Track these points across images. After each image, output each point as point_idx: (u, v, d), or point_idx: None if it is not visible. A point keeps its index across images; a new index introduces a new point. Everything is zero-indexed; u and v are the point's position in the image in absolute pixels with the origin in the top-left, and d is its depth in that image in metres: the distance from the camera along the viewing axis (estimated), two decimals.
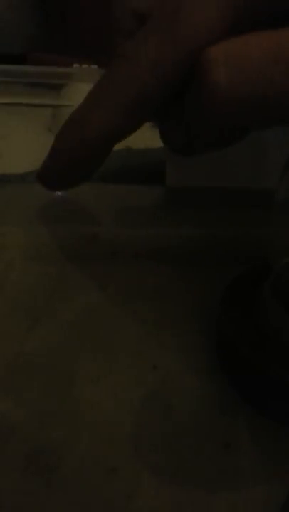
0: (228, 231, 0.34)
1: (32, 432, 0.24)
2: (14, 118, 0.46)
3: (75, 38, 0.52)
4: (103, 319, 0.29)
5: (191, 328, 0.28)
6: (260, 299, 0.26)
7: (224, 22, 0.23)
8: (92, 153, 0.25)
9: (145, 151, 0.40)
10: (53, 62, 0.48)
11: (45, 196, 0.28)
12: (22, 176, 0.38)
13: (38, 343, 0.27)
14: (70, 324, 0.29)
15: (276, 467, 0.23)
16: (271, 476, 0.23)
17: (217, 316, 0.27)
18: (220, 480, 0.23)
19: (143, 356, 0.27)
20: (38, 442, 0.23)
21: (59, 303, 0.30)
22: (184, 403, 0.25)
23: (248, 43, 0.21)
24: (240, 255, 0.31)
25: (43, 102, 0.46)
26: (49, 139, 0.26)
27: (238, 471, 0.23)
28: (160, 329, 0.28)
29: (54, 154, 0.26)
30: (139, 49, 0.24)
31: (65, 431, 0.24)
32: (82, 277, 0.32)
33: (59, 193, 0.35)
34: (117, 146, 0.26)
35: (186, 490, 0.22)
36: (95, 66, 0.46)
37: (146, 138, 0.30)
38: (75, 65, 0.48)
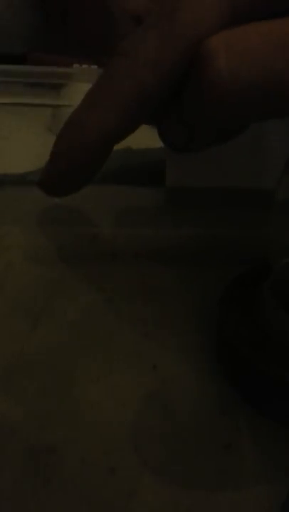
0: (228, 231, 0.34)
1: (32, 431, 0.24)
2: (14, 118, 0.46)
3: (75, 38, 0.52)
4: (103, 319, 0.29)
5: (191, 328, 0.28)
6: (260, 299, 0.26)
7: (222, 18, 0.23)
8: (92, 155, 0.25)
9: (145, 151, 0.40)
10: (53, 62, 0.48)
11: (45, 197, 0.28)
12: (22, 176, 0.38)
13: (38, 343, 0.27)
14: (70, 324, 0.29)
15: (276, 467, 0.23)
16: (271, 476, 0.23)
17: (217, 316, 0.27)
18: (220, 480, 0.23)
19: (143, 356, 0.27)
20: (38, 442, 0.23)
21: (59, 303, 0.30)
22: (183, 403, 0.25)
23: (248, 32, 0.21)
24: (240, 255, 0.31)
25: (43, 102, 0.47)
26: (49, 139, 0.26)
27: (238, 471, 0.23)
28: (160, 329, 0.28)
29: (54, 159, 0.26)
30: (137, 47, 0.23)
31: (65, 431, 0.24)
32: (82, 278, 0.32)
33: (56, 199, 0.35)
34: (117, 146, 0.26)
35: (186, 490, 0.22)
36: (95, 66, 0.46)
37: (146, 138, 0.30)
38: (75, 65, 0.48)
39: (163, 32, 0.23)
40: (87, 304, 0.30)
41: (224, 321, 0.26)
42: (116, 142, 0.25)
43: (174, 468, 0.23)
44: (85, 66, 0.47)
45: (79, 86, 0.45)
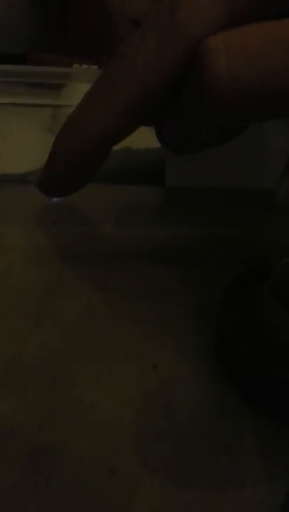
0: (228, 231, 0.34)
1: (32, 432, 0.24)
2: (14, 118, 0.46)
3: (75, 38, 0.52)
4: (103, 319, 0.29)
5: (191, 328, 0.28)
6: (260, 299, 0.26)
7: (221, 19, 0.23)
8: (92, 155, 0.25)
9: (145, 151, 0.40)
10: (53, 62, 0.48)
11: (45, 197, 0.28)
12: (22, 176, 0.38)
13: (38, 343, 0.27)
14: (70, 324, 0.29)
15: (276, 467, 0.23)
16: (271, 476, 0.23)
17: (217, 316, 0.27)
18: (220, 480, 0.23)
19: (143, 356, 0.27)
20: (38, 442, 0.23)
21: (59, 303, 0.30)
22: (183, 403, 0.25)
23: (247, 32, 0.21)
24: (240, 255, 0.31)
25: (43, 102, 0.47)
26: (49, 139, 0.26)
27: (238, 471, 0.23)
28: (160, 329, 0.28)
29: (53, 159, 0.26)
30: (136, 48, 0.23)
31: (65, 431, 0.24)
32: (82, 277, 0.32)
33: (55, 199, 0.35)
34: (117, 146, 0.26)
35: (186, 490, 0.22)
36: (95, 66, 0.46)
37: (147, 138, 0.30)
38: (75, 65, 0.48)
39: (162, 32, 0.23)
40: (87, 304, 0.30)
41: (224, 321, 0.26)
42: (115, 142, 0.25)
43: (174, 468, 0.23)
44: (85, 66, 0.47)
45: (79, 86, 0.45)
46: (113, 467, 0.23)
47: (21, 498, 0.22)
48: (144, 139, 0.31)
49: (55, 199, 0.35)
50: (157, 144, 0.26)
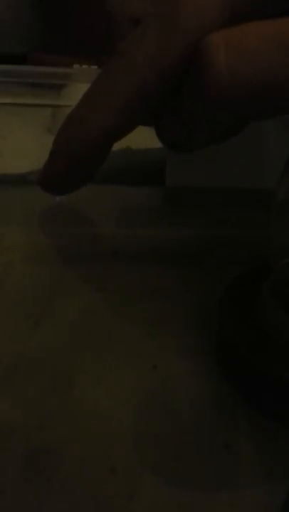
0: (228, 231, 0.34)
1: (32, 432, 0.24)
2: (14, 118, 0.46)
3: (75, 38, 0.52)
4: (103, 319, 0.29)
5: (191, 328, 0.28)
6: (260, 299, 0.26)
7: (222, 17, 0.23)
8: (92, 152, 0.25)
9: (145, 151, 0.40)
10: (53, 63, 0.48)
11: (45, 196, 0.28)
12: (22, 176, 0.38)
13: (38, 343, 0.27)
14: (70, 324, 0.29)
15: (276, 467, 0.23)
16: (271, 476, 0.23)
17: (217, 316, 0.27)
18: (220, 480, 0.23)
19: (143, 356, 0.27)
20: (38, 442, 0.23)
21: (59, 303, 0.30)
22: (183, 403, 0.25)
23: (247, 30, 0.22)
24: (240, 255, 0.31)
25: (43, 102, 0.46)
26: (49, 139, 0.26)
27: (237, 471, 0.23)
28: (160, 329, 0.28)
29: (53, 157, 0.26)
30: (136, 45, 0.24)
31: (65, 431, 0.24)
32: (82, 278, 0.32)
33: (58, 198, 0.35)
34: (117, 146, 0.26)
35: (186, 490, 0.22)
36: (95, 66, 0.46)
37: (146, 138, 0.30)
38: (75, 66, 0.48)
39: (162, 30, 0.23)
40: (87, 304, 0.30)
41: (224, 321, 0.26)
42: (116, 139, 0.25)
43: (174, 468, 0.23)
44: (85, 66, 0.47)
45: (79, 86, 0.45)
46: (113, 467, 0.23)
47: (21, 498, 0.22)
48: (144, 139, 0.31)
49: (57, 198, 0.35)
50: (157, 144, 0.26)
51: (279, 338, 0.25)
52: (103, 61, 0.25)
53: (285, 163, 0.25)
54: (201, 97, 0.22)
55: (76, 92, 0.44)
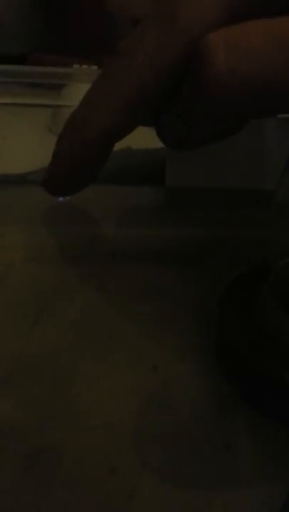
0: (228, 231, 0.34)
1: (32, 432, 0.24)
2: (14, 118, 0.46)
3: (75, 38, 0.52)
4: (103, 319, 0.29)
5: (191, 328, 0.28)
6: (260, 299, 0.26)
7: (221, 16, 0.23)
8: (94, 152, 0.25)
9: (145, 151, 0.40)
10: (53, 63, 0.48)
11: (45, 197, 0.28)
12: (22, 176, 0.38)
13: (38, 343, 0.27)
14: (70, 324, 0.29)
15: (276, 467, 0.23)
16: (271, 476, 0.23)
17: (217, 316, 0.27)
18: (220, 480, 0.23)
19: (143, 356, 0.27)
20: (38, 442, 0.23)
21: (59, 303, 0.30)
22: (183, 403, 0.25)
23: (246, 29, 0.22)
24: (240, 255, 0.31)
25: (43, 102, 0.47)
26: (49, 139, 0.26)
27: (237, 471, 0.23)
28: (160, 329, 0.28)
29: (56, 158, 0.26)
30: (136, 45, 0.24)
31: (65, 431, 0.24)
32: (83, 278, 0.32)
33: (60, 199, 0.35)
34: (117, 147, 0.26)
35: (186, 490, 0.22)
36: (95, 66, 0.46)
37: (147, 138, 0.30)
38: (75, 66, 0.48)
39: (162, 29, 0.23)
40: (87, 304, 0.30)
41: (224, 321, 0.26)
42: (117, 139, 0.25)
43: (173, 468, 0.23)
44: (85, 66, 0.47)
45: (79, 86, 0.45)
46: (113, 467, 0.23)
47: (21, 498, 0.22)
48: (144, 139, 0.31)
49: (60, 198, 0.35)
50: (157, 144, 0.26)
51: (279, 338, 0.25)
52: (103, 61, 0.25)
53: (285, 163, 0.25)
54: (200, 96, 0.22)
55: (76, 92, 0.44)
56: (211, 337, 0.27)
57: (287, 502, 0.22)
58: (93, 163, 0.26)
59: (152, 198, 0.38)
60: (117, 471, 0.23)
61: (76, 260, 0.32)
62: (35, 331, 0.28)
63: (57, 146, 0.26)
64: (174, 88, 0.24)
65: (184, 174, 0.37)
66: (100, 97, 0.25)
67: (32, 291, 0.30)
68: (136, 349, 0.27)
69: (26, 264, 0.32)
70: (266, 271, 0.26)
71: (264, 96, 0.22)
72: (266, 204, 0.26)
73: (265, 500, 0.22)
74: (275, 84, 0.21)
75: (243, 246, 0.32)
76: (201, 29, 0.22)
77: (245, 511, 0.22)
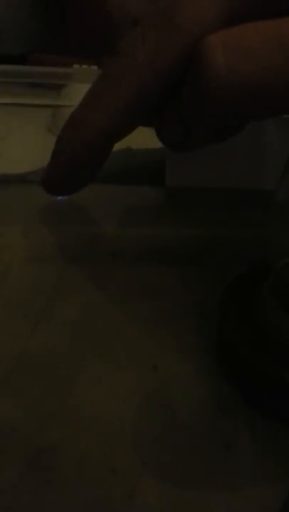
0: (228, 231, 0.34)
1: (32, 431, 0.24)
2: (14, 118, 0.46)
3: (75, 38, 0.52)
4: (103, 319, 0.29)
5: (191, 328, 0.28)
6: (260, 299, 0.26)
7: (221, 17, 0.23)
8: (93, 152, 0.25)
9: (145, 151, 0.40)
10: (53, 63, 0.48)
11: (45, 197, 0.28)
12: (22, 176, 0.38)
13: (38, 343, 0.27)
14: (71, 324, 0.29)
15: (276, 467, 0.23)
16: (271, 476, 0.23)
17: (217, 316, 0.27)
18: (220, 480, 0.23)
19: (143, 356, 0.27)
20: (38, 442, 0.23)
21: (59, 303, 0.30)
22: (183, 403, 0.25)
23: (246, 30, 0.22)
24: (240, 255, 0.31)
25: (43, 102, 0.47)
26: (49, 139, 0.26)
27: (238, 471, 0.23)
28: (160, 329, 0.28)
29: (56, 158, 0.26)
30: (136, 45, 0.24)
31: (65, 431, 0.24)
32: (83, 277, 0.32)
33: (60, 198, 0.35)
34: (117, 147, 0.26)
35: (186, 490, 0.22)
36: (95, 66, 0.46)
37: (147, 138, 0.30)
38: (75, 66, 0.48)
39: (162, 30, 0.23)
40: (87, 304, 0.30)
41: (224, 321, 0.26)
42: (116, 140, 0.25)
43: (174, 468, 0.23)
44: (85, 66, 0.47)
45: (79, 86, 0.45)
46: (113, 467, 0.23)
47: (21, 498, 0.22)
48: (144, 139, 0.31)
49: (59, 197, 0.35)
50: (157, 144, 0.26)
51: (279, 338, 0.25)
52: (103, 61, 0.25)
53: (285, 163, 0.25)
54: (200, 97, 0.22)
55: (76, 92, 0.44)
56: (211, 337, 0.27)
57: (287, 502, 0.22)
58: (92, 164, 0.26)
59: (152, 198, 0.38)
60: (117, 471, 0.23)
61: (76, 260, 0.32)
62: (35, 331, 0.28)
63: (56, 146, 0.26)
64: (174, 88, 0.24)
65: (184, 174, 0.37)
66: (99, 98, 0.25)
67: (32, 291, 0.30)
68: (136, 349, 0.27)
69: (26, 264, 0.32)
70: (266, 271, 0.26)
71: (264, 97, 0.22)
72: (266, 204, 0.26)
73: (265, 500, 0.22)
74: (275, 85, 0.21)
75: (243, 246, 0.32)
76: (201, 30, 0.22)
77: (245, 511, 0.22)
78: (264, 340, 0.25)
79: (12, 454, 0.23)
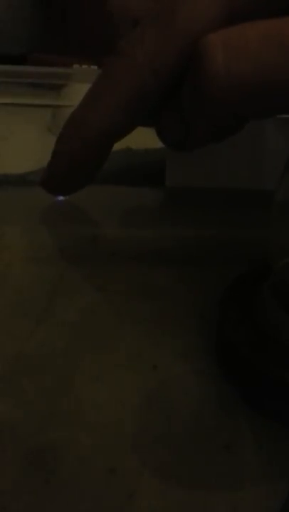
0: (228, 231, 0.34)
1: (32, 432, 0.24)
2: (14, 118, 0.46)
3: (75, 38, 0.52)
4: (103, 319, 0.29)
5: (191, 328, 0.28)
6: (260, 299, 0.26)
7: (221, 17, 0.23)
8: (93, 152, 0.25)
9: (145, 151, 0.40)
10: (53, 63, 0.48)
11: (45, 197, 0.28)
12: (22, 176, 0.38)
13: (38, 343, 0.27)
14: (70, 324, 0.29)
15: (276, 467, 0.23)
16: (271, 476, 0.23)
17: (217, 316, 0.27)
18: (220, 480, 0.23)
19: (143, 356, 0.27)
20: (38, 442, 0.23)
21: (59, 303, 0.30)
22: (184, 403, 0.25)
23: (245, 30, 0.22)
24: (240, 255, 0.31)
25: (43, 102, 0.47)
26: (49, 139, 0.26)
27: (238, 471, 0.23)
28: (160, 329, 0.28)
29: (55, 158, 0.26)
30: (136, 45, 0.24)
31: (65, 431, 0.24)
32: (82, 278, 0.32)
33: (61, 198, 0.35)
34: (117, 147, 0.26)
35: (186, 490, 0.22)
36: (95, 66, 0.46)
37: (147, 138, 0.30)
38: (75, 66, 0.48)
39: (161, 30, 0.23)
40: (87, 304, 0.30)
41: (224, 321, 0.26)
42: (116, 139, 0.25)
43: (173, 468, 0.23)
44: (85, 66, 0.47)
45: (79, 86, 0.45)
46: (113, 467, 0.23)
47: (21, 498, 0.22)
48: (144, 139, 0.31)
49: (59, 197, 0.35)
50: (157, 144, 0.26)
51: (279, 338, 0.25)
52: (103, 61, 0.25)
53: (285, 163, 0.25)
54: (199, 96, 0.22)
55: (76, 92, 0.44)
56: (211, 337, 0.27)
57: (287, 502, 0.22)
58: (92, 163, 0.26)
59: (152, 198, 0.38)
60: (117, 471, 0.23)
61: (76, 260, 0.32)
62: (35, 331, 0.28)
63: (56, 145, 0.26)
64: (174, 88, 0.24)
65: (184, 174, 0.37)
66: (99, 97, 0.25)
67: (32, 291, 0.30)
68: (136, 349, 0.27)
69: (26, 264, 0.32)
70: (266, 271, 0.26)
71: (263, 96, 0.22)
72: (266, 204, 0.26)
73: (265, 500, 0.22)
74: (274, 84, 0.21)
75: (243, 246, 0.32)
76: (201, 29, 0.22)
77: (246, 511, 0.22)
78: (264, 340, 0.25)
79: (12, 454, 0.23)
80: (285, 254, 0.26)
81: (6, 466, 0.23)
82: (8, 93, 0.47)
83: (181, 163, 0.37)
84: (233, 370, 0.26)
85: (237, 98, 0.22)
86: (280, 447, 0.23)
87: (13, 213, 0.36)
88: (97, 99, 0.25)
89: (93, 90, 0.25)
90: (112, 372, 0.26)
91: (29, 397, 0.25)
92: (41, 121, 0.45)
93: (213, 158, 0.35)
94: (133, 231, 0.34)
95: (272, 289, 0.26)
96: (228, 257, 0.32)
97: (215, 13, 0.23)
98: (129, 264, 0.32)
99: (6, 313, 0.29)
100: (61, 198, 0.35)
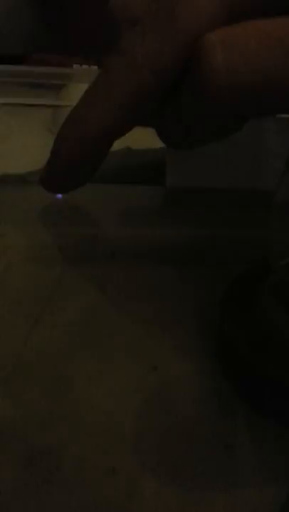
0: (228, 231, 0.34)
1: (32, 432, 0.24)
2: (14, 118, 0.46)
3: (75, 38, 0.52)
4: (103, 319, 0.29)
5: (191, 328, 0.28)
6: (260, 299, 0.26)
7: (220, 16, 0.23)
8: (92, 150, 0.25)
9: (145, 151, 0.40)
10: (53, 63, 0.48)
11: (45, 197, 0.28)
12: (22, 176, 0.38)
13: (38, 343, 0.27)
14: (70, 324, 0.29)
15: (276, 467, 0.23)
16: (271, 476, 0.23)
17: (217, 316, 0.27)
18: (220, 480, 0.23)
19: (143, 356, 0.27)
20: (38, 442, 0.23)
21: (59, 303, 0.30)
22: (183, 403, 0.25)
23: (245, 29, 0.22)
24: (240, 255, 0.31)
25: (43, 102, 0.47)
26: (49, 139, 0.26)
27: (237, 471, 0.23)
28: (160, 329, 0.28)
29: (54, 156, 0.26)
30: (135, 44, 0.24)
31: (65, 431, 0.24)
32: (82, 278, 0.32)
33: (60, 196, 0.35)
34: (117, 146, 0.26)
35: (186, 490, 0.22)
36: (95, 66, 0.46)
37: (147, 138, 0.30)
38: (75, 66, 0.48)
39: (161, 29, 0.23)
40: (87, 304, 0.30)
41: (224, 321, 0.26)
42: (115, 138, 0.25)
43: (173, 468, 0.23)
44: (85, 66, 0.47)
45: (79, 87, 0.45)
46: (113, 467, 0.23)
47: (21, 498, 0.22)
48: (144, 139, 0.31)
49: (58, 195, 0.35)
50: (157, 144, 0.26)
51: (279, 338, 0.25)
52: (103, 61, 0.25)
53: (285, 163, 0.25)
54: (199, 96, 0.22)
55: (76, 92, 0.44)
56: (211, 337, 0.27)
57: (288, 502, 0.22)
58: (91, 161, 0.26)
59: (152, 198, 0.38)
60: (117, 471, 0.23)
61: (76, 260, 0.32)
62: (35, 331, 0.28)
63: (55, 143, 0.26)
64: (174, 87, 0.24)
65: (184, 174, 0.37)
66: (98, 96, 0.25)
67: (32, 291, 0.30)
68: (136, 349, 0.27)
69: (26, 264, 0.32)
70: (266, 271, 0.26)
71: (263, 96, 0.22)
72: (266, 204, 0.26)
73: (265, 500, 0.22)
74: (274, 84, 0.21)
75: (243, 246, 0.32)
76: (201, 28, 0.22)
77: (245, 511, 0.22)
78: (264, 341, 0.25)
79: (12, 454, 0.23)
80: (285, 254, 0.26)
81: (6, 466, 0.23)
82: (8, 93, 0.47)
83: (181, 163, 0.37)
84: (233, 370, 0.26)
85: (237, 97, 0.22)
86: (280, 447, 0.23)
87: (13, 213, 0.36)
88: (96, 98, 0.25)
89: (92, 89, 0.25)
90: (112, 372, 0.26)
91: (29, 397, 0.25)
92: (41, 121, 0.45)
93: (213, 158, 0.35)
94: (133, 231, 0.34)
95: (272, 289, 0.26)
96: (227, 257, 0.32)
97: (215, 12, 0.23)
98: (129, 264, 0.32)
99: (6, 312, 0.29)
100: (60, 196, 0.35)
